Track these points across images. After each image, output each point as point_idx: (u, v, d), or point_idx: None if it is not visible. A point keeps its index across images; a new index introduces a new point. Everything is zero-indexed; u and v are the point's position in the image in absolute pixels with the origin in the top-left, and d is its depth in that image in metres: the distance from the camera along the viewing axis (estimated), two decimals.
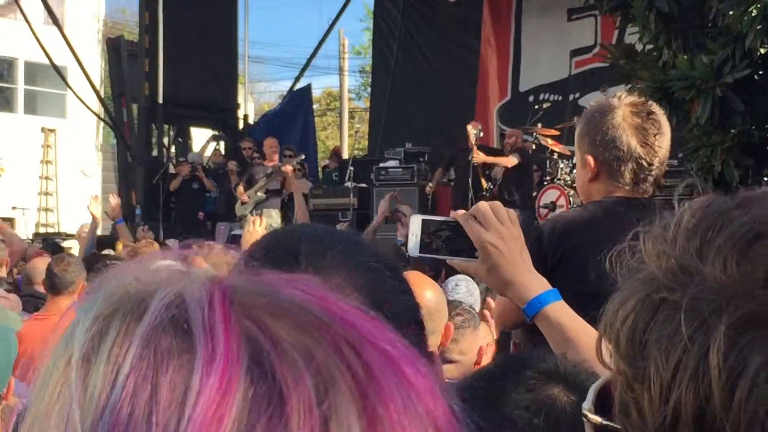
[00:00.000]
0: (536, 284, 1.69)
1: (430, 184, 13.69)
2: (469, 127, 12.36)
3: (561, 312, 1.68)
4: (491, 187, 11.72)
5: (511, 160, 11.57)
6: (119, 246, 8.68)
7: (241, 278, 0.58)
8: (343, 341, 0.53)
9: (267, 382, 0.51)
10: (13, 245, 8.12)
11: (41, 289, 5.57)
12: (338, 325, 0.54)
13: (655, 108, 2.66)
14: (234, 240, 12.25)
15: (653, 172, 2.63)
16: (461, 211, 1.70)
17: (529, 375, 1.21)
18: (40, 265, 6.12)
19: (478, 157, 11.47)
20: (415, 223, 1.66)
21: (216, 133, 18.16)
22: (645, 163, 2.60)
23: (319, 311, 0.55)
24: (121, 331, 0.53)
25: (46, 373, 0.55)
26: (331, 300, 0.56)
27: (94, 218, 8.43)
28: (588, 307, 1.92)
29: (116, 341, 0.53)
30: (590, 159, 2.64)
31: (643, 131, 2.59)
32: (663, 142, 2.62)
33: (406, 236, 1.69)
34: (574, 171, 11.01)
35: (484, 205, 1.68)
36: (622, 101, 2.63)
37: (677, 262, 0.73)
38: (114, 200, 8.86)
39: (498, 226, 1.65)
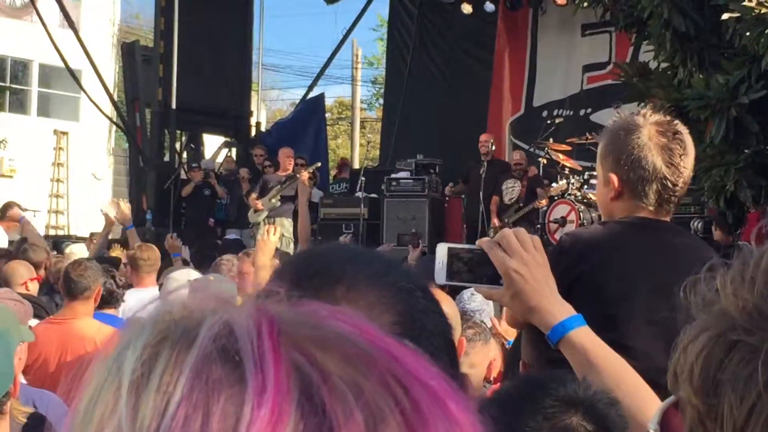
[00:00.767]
0: (560, 310, 1.69)
1: (448, 189, 13.79)
2: (483, 139, 12.48)
3: (585, 338, 1.67)
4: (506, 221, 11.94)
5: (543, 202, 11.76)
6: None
7: (284, 307, 0.58)
8: (390, 376, 0.53)
9: (317, 416, 0.51)
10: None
11: (20, 290, 5.52)
12: (384, 359, 0.54)
13: (681, 127, 2.61)
14: (227, 243, 12.23)
15: (677, 193, 2.59)
16: (486, 239, 1.71)
17: (548, 403, 1.20)
18: (19, 267, 6.13)
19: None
20: (441, 251, 1.68)
21: (228, 139, 18.17)
22: (670, 184, 2.56)
23: (365, 344, 0.55)
24: (171, 360, 0.53)
25: (90, 400, 0.55)
26: (374, 333, 0.56)
27: (107, 220, 8.34)
28: (604, 327, 1.92)
29: (166, 370, 0.53)
30: (614, 178, 2.59)
31: (669, 151, 2.54)
32: (688, 163, 2.58)
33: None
34: (585, 187, 11.07)
35: (508, 232, 1.69)
36: (647, 120, 2.58)
37: (755, 305, 0.74)
38: (124, 206, 8.55)
39: (522, 253, 1.66)
